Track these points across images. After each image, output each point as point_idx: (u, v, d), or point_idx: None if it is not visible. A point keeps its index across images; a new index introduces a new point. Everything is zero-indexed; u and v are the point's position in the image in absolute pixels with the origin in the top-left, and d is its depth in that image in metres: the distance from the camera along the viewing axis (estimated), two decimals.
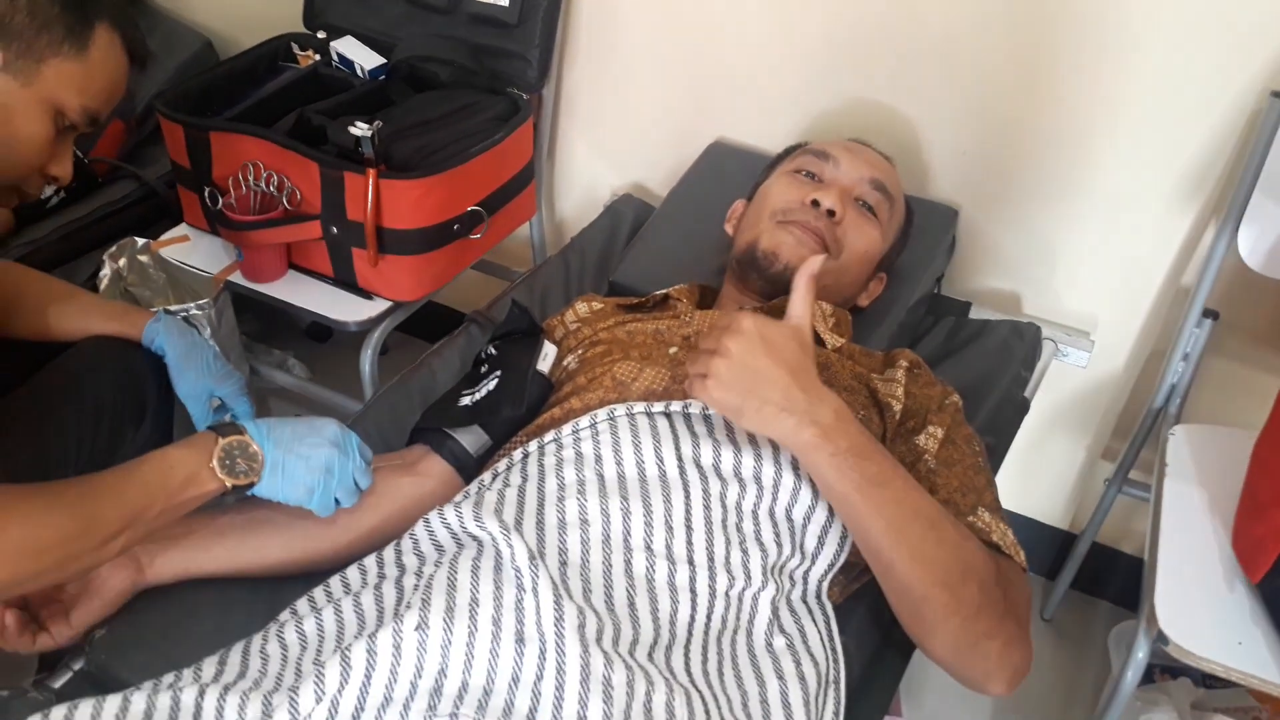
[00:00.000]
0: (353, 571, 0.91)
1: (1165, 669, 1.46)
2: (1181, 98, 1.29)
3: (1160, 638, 1.03)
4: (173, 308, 1.38)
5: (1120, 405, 1.56)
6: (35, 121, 0.98)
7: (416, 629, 0.75)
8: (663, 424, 0.94)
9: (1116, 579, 1.72)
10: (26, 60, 0.95)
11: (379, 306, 1.41)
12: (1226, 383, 1.44)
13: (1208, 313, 1.34)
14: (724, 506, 0.90)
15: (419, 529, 0.90)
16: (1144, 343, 1.48)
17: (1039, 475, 1.68)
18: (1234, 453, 1.21)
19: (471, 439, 1.05)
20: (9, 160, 0.99)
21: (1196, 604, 1.06)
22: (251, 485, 0.89)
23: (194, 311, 1.38)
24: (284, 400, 2.02)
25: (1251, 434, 1.19)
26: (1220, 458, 1.24)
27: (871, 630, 0.98)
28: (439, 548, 0.88)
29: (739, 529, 0.90)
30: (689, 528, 0.88)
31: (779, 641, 0.87)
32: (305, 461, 0.91)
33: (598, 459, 0.92)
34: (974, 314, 1.45)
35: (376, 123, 1.31)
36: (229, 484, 0.87)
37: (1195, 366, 1.38)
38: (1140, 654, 1.08)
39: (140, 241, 1.48)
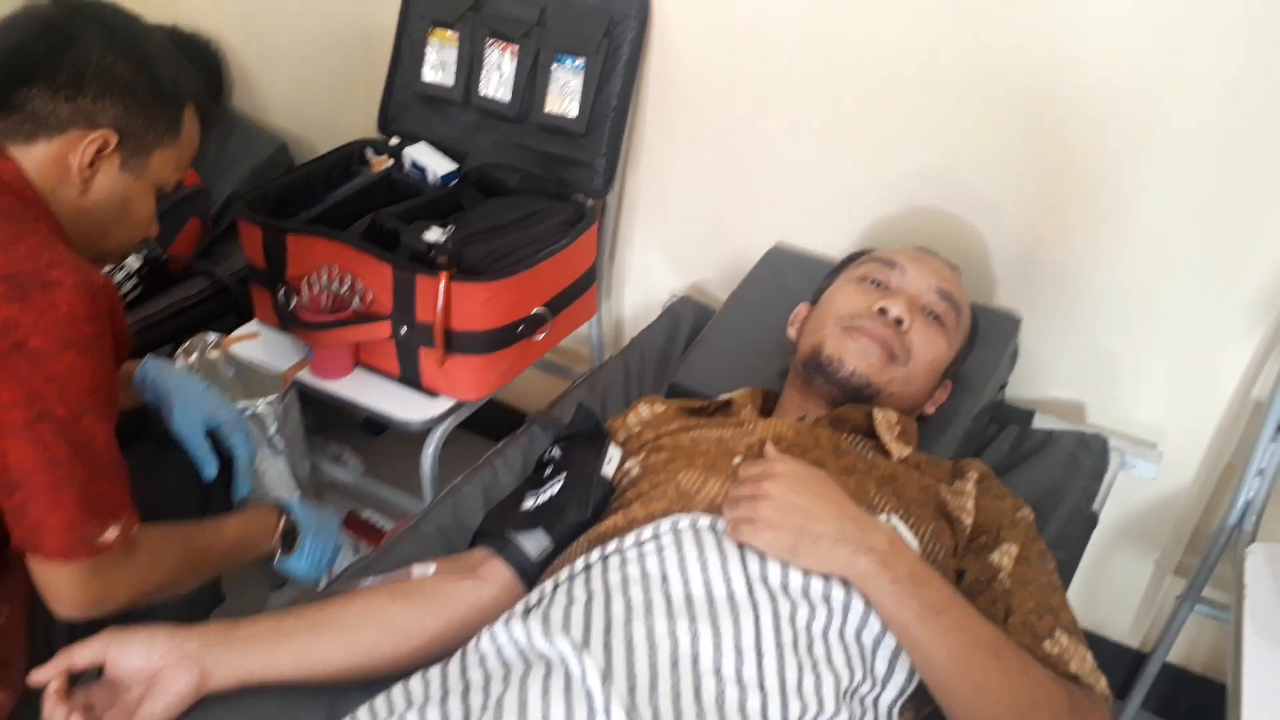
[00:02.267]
0: (415, 683, 0.89)
1: None
2: (1253, 211, 1.29)
3: None
4: (241, 404, 1.41)
5: (1191, 519, 1.51)
6: (144, 204, 1.10)
7: None
8: (728, 539, 0.93)
9: (1187, 699, 1.65)
10: (139, 157, 1.06)
11: (442, 405, 1.43)
12: None
13: None
14: (794, 629, 0.88)
15: (484, 642, 0.89)
16: (1214, 455, 1.45)
17: (1105, 589, 1.63)
18: None
19: (534, 543, 1.05)
20: (127, 239, 1.11)
21: None
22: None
23: (261, 408, 1.41)
24: (339, 494, 2.04)
25: None
26: None
27: None
28: (505, 664, 0.86)
29: (810, 652, 0.87)
30: (759, 651, 0.86)
31: None
32: (323, 549, 1.23)
33: (664, 577, 0.90)
34: (1038, 423, 1.44)
35: (450, 228, 1.34)
36: (277, 554, 1.19)
37: (1271, 482, 1.34)
38: None
39: (212, 337, 1.52)
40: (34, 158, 1.00)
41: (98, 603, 0.97)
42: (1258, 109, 1.24)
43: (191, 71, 1.11)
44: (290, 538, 1.20)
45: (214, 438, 1.23)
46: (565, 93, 1.58)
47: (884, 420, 1.13)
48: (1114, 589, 1.63)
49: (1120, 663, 1.67)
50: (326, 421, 2.04)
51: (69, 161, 1.01)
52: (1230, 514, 1.37)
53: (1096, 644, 1.64)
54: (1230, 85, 1.24)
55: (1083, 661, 0.92)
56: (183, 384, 1.25)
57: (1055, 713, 0.85)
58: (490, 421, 1.67)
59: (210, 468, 1.21)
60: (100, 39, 1.01)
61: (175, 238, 1.77)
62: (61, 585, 0.95)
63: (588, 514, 1.04)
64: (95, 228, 1.06)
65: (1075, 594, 1.17)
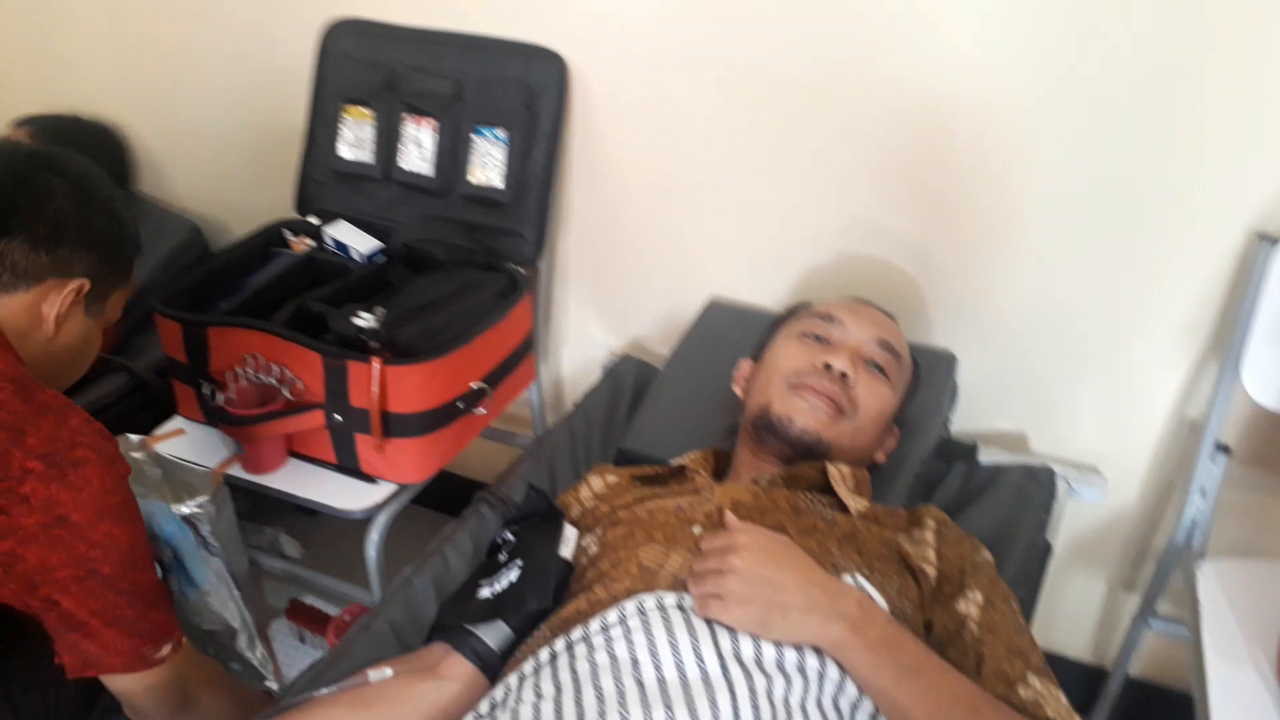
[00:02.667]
0: None
1: None
2: (1170, 240, 1.33)
3: None
4: (173, 508, 1.34)
5: (1138, 537, 1.54)
6: (97, 341, 1.17)
7: None
8: (697, 617, 0.91)
9: (1145, 708, 1.67)
10: (99, 302, 1.13)
11: (383, 491, 1.38)
12: (1247, 514, 1.43)
13: (1220, 447, 1.34)
14: (772, 704, 0.86)
15: None
16: (1155, 474, 1.48)
17: (1061, 610, 1.65)
18: (1267, 586, 1.19)
19: (494, 634, 1.01)
20: (79, 373, 1.17)
21: None
22: None
23: (193, 509, 1.35)
24: (281, 582, 1.96)
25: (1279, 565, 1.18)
26: (1253, 592, 1.23)
27: None
28: None
29: None
30: None
31: None
32: None
33: (634, 662, 0.88)
34: (983, 456, 1.45)
35: (379, 310, 1.31)
36: None
37: (1214, 500, 1.37)
38: None
39: (135, 438, 1.45)
40: (10, 306, 1.05)
41: (182, 701, 1.11)
42: (1162, 142, 1.28)
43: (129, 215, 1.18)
44: None
45: None
46: (488, 164, 1.56)
47: (838, 474, 1.13)
48: (1070, 609, 1.65)
49: (1080, 680, 1.69)
50: (258, 506, 1.96)
51: (42, 310, 1.06)
52: (1177, 533, 1.40)
53: (1057, 664, 1.66)
54: (1127, 136, 1.28)
55: (1057, 704, 0.92)
56: None
57: None
58: (435, 493, 1.62)
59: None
60: (74, 193, 1.08)
61: None
62: (138, 695, 1.08)
63: (549, 601, 1.01)
64: (58, 367, 1.11)
65: (1034, 617, 1.18)
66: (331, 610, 1.75)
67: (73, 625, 1.00)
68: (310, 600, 1.76)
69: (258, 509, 1.96)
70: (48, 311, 1.06)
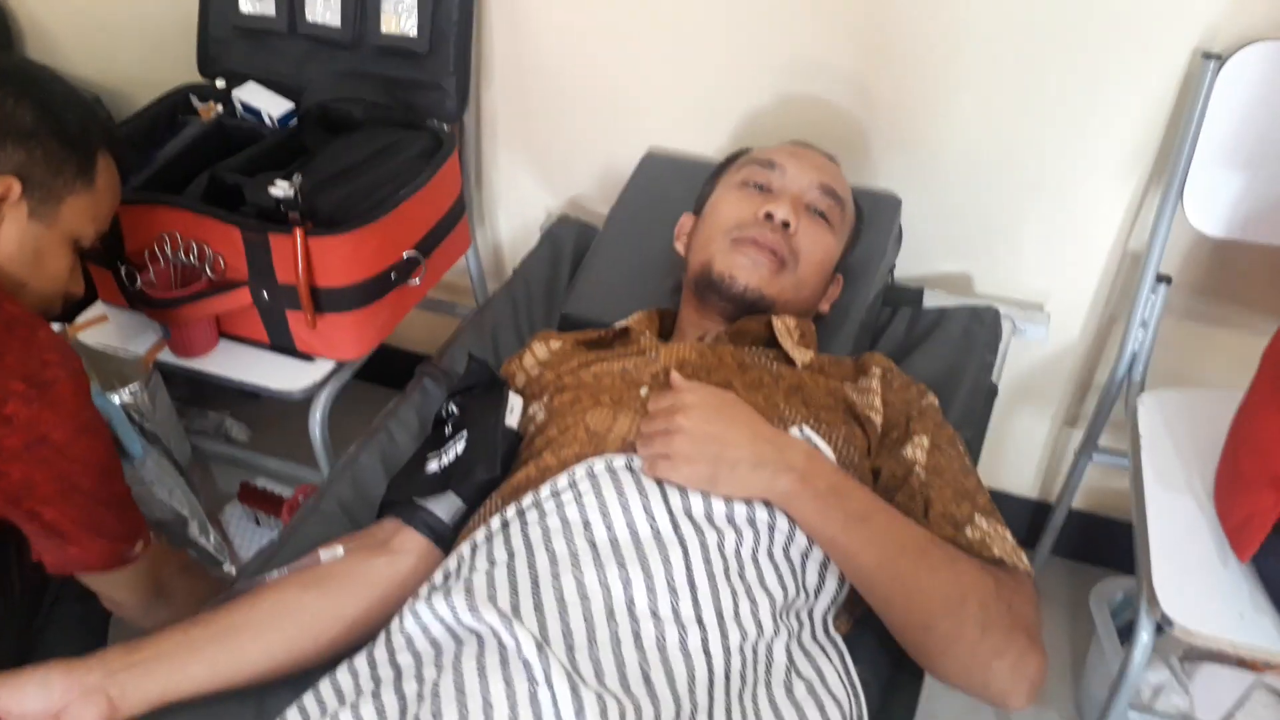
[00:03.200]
0: (344, 675, 0.85)
1: None
2: (1113, 64, 1.29)
3: (1164, 619, 1.03)
4: (106, 396, 1.29)
5: (1081, 373, 1.56)
6: (60, 256, 1.09)
7: None
8: (646, 477, 0.91)
9: (1089, 539, 1.74)
10: (48, 205, 1.05)
11: (322, 369, 1.34)
12: (1186, 344, 1.45)
13: (1161, 278, 1.34)
14: (723, 556, 0.87)
15: (409, 623, 0.84)
16: (1098, 310, 1.49)
17: (1007, 448, 1.69)
18: (1204, 415, 1.22)
19: (445, 506, 1.00)
20: (41, 293, 1.09)
21: (1193, 580, 1.06)
22: None
23: (126, 398, 1.30)
24: (229, 466, 1.94)
25: (1218, 393, 1.20)
26: (1192, 422, 1.25)
27: (883, 656, 0.96)
28: (435, 644, 0.83)
29: (742, 578, 0.86)
30: (692, 586, 0.84)
31: (799, 688, 0.84)
32: None
33: (586, 524, 0.88)
34: (927, 300, 1.44)
35: (297, 178, 1.23)
36: None
37: (1154, 331, 1.38)
38: (1145, 636, 1.08)
39: (56, 326, 1.38)
40: None
41: (156, 592, 1.14)
42: None
43: (101, 118, 1.13)
44: None
45: None
46: (401, 10, 1.46)
47: (783, 327, 1.11)
48: (1016, 447, 1.68)
49: (1025, 514, 1.75)
50: (201, 390, 1.91)
51: None
52: (1119, 366, 1.42)
53: (1002, 500, 1.71)
54: None
55: (1003, 543, 0.93)
56: None
57: (984, 602, 0.87)
58: (376, 367, 1.59)
59: None
60: (1, 87, 1.01)
61: None
62: (116, 589, 1.11)
63: (497, 470, 1.00)
64: (9, 281, 1.04)
65: (980, 457, 1.20)
66: (284, 492, 1.73)
67: (54, 533, 1.01)
68: (261, 483, 1.75)
69: (199, 394, 1.91)
70: None
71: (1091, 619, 1.51)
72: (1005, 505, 1.70)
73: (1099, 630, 1.47)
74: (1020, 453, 1.69)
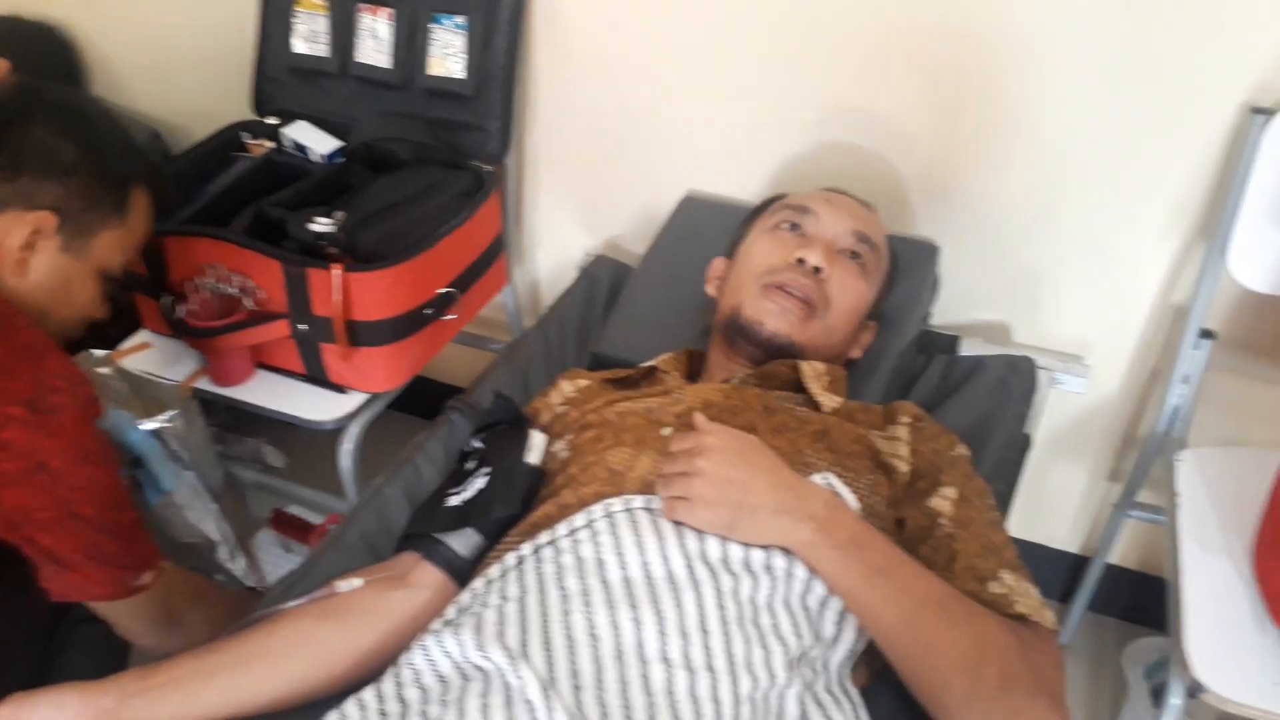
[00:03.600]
0: (351, 708, 0.85)
1: None
2: (1159, 117, 1.27)
3: (1195, 685, 1.00)
4: (141, 422, 1.32)
5: (1121, 427, 1.53)
6: (87, 287, 1.11)
7: None
8: (664, 519, 0.90)
9: (1124, 594, 1.70)
10: (81, 239, 1.07)
11: (354, 401, 1.36)
12: (1229, 401, 1.41)
13: (1205, 333, 1.31)
14: (738, 603, 0.86)
15: (417, 658, 0.85)
16: (1139, 363, 1.46)
17: (1044, 500, 1.65)
18: (1246, 475, 1.18)
19: (464, 541, 1.00)
20: (68, 322, 1.11)
21: (1227, 644, 1.03)
22: None
23: (163, 424, 1.33)
24: (263, 493, 1.96)
25: (1260, 452, 1.16)
26: (1232, 481, 1.22)
27: (901, 714, 0.93)
28: (442, 680, 0.82)
29: (756, 625, 0.85)
30: (704, 631, 0.83)
31: None
32: None
33: (600, 563, 0.87)
34: (964, 348, 1.42)
35: (339, 214, 1.26)
36: None
37: (1197, 387, 1.35)
38: (1176, 700, 1.05)
39: (99, 353, 1.42)
40: None
41: (168, 620, 1.12)
42: (1148, 14, 1.22)
43: (143, 154, 1.15)
44: None
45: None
46: (448, 53, 1.49)
47: (811, 372, 1.11)
48: (1052, 499, 1.65)
49: (1061, 567, 1.70)
50: (240, 417, 1.95)
51: (3, 242, 1.02)
52: (1160, 421, 1.38)
53: (1038, 553, 1.68)
54: (1117, 10, 1.22)
55: (1028, 598, 0.91)
56: None
57: (1005, 660, 0.84)
58: (411, 398, 1.61)
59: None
60: (47, 120, 1.03)
61: None
62: (124, 618, 1.09)
63: (516, 508, 1.00)
64: (34, 309, 1.05)
65: (1015, 507, 1.18)
66: (315, 519, 1.75)
67: (54, 559, 1.00)
68: (293, 510, 1.77)
69: (239, 420, 1.95)
70: (11, 244, 1.02)
71: (1123, 676, 1.47)
72: (1041, 558, 1.67)
73: (1131, 692, 1.42)
74: (1059, 506, 1.65)
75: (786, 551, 0.88)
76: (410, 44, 1.50)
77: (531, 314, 1.85)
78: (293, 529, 1.72)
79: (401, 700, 0.83)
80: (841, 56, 1.39)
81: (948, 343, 1.43)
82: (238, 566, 1.50)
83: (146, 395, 1.42)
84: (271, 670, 0.92)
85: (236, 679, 0.91)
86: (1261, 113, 1.19)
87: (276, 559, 1.71)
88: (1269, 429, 1.39)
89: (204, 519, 1.42)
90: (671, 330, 1.33)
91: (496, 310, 1.78)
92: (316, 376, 1.37)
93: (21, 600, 1.08)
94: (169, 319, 1.37)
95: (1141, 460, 1.44)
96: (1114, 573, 1.67)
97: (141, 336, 1.48)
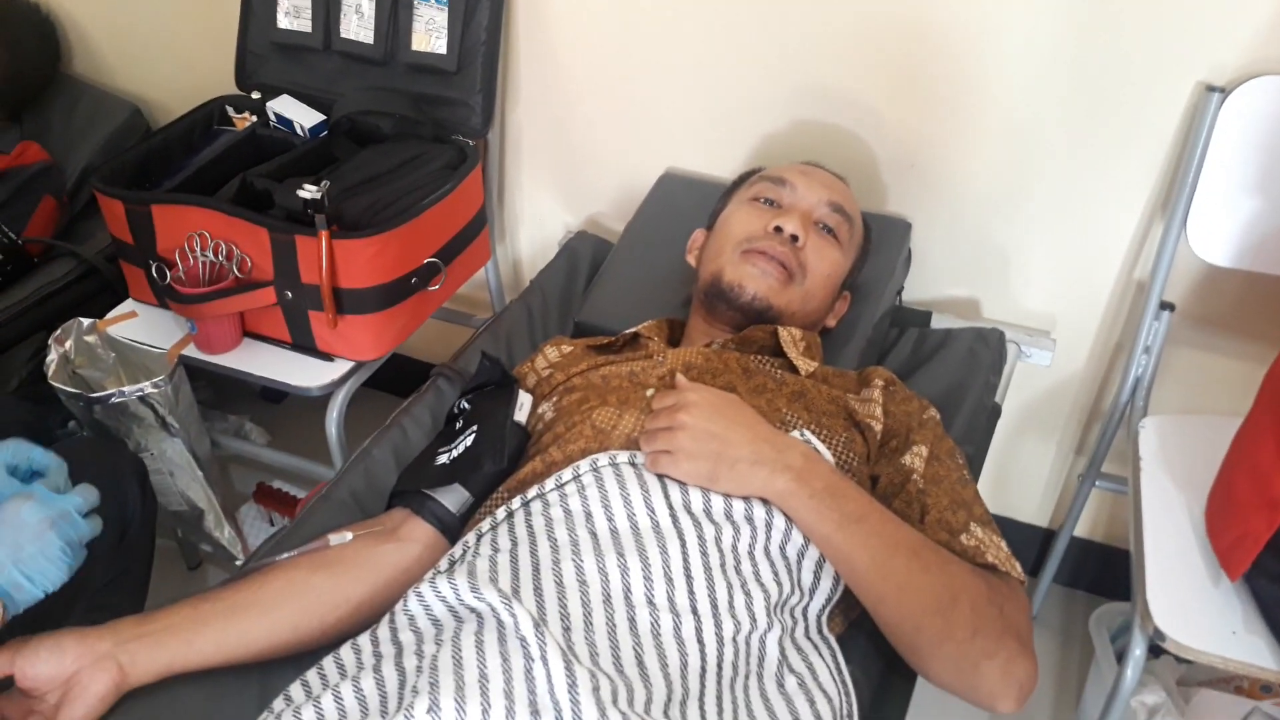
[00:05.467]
0: (346, 652, 0.87)
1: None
2: (1119, 96, 1.32)
3: (1157, 634, 1.04)
4: (126, 389, 1.34)
5: (1086, 400, 1.58)
6: None
7: (429, 712, 0.73)
8: (648, 473, 0.93)
9: (1091, 567, 1.75)
10: None
11: (340, 368, 1.38)
12: (1189, 372, 1.47)
13: (1164, 305, 1.36)
14: (720, 550, 0.89)
15: (412, 603, 0.87)
16: (1104, 337, 1.51)
17: (1012, 474, 1.70)
18: (1204, 441, 1.23)
19: (453, 498, 1.03)
20: None
21: (1187, 598, 1.07)
22: None
23: (150, 390, 1.35)
24: (246, 467, 1.98)
25: (1218, 420, 1.21)
26: (1192, 447, 1.26)
27: (875, 657, 0.97)
28: (436, 623, 0.85)
29: (738, 571, 0.89)
30: (688, 576, 0.86)
31: (790, 682, 0.86)
32: (47, 560, 0.86)
33: (588, 515, 0.90)
34: (935, 323, 1.47)
35: (325, 183, 1.28)
36: None
37: (1157, 358, 1.40)
38: (1139, 650, 1.09)
39: (86, 322, 1.43)
40: None
41: None
42: (1108, 8, 1.26)
43: None
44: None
45: None
46: (431, 29, 1.51)
47: (789, 337, 1.14)
48: (1020, 473, 1.70)
49: (1031, 541, 1.75)
50: (223, 395, 1.97)
51: None
52: (1122, 392, 1.43)
53: (1008, 526, 1.73)
54: None
55: (997, 550, 0.95)
56: None
57: (975, 603, 0.88)
58: (393, 377, 1.63)
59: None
60: None
61: (30, 220, 1.65)
62: None
63: (504, 463, 1.03)
64: None
65: (984, 482, 1.22)
66: (299, 492, 1.77)
67: None
68: (277, 484, 1.78)
69: (222, 397, 1.96)
70: None
71: (1092, 646, 1.52)
72: (1011, 532, 1.70)
73: (1098, 653, 1.47)
74: (1026, 480, 1.70)
75: (766, 503, 0.92)
76: (394, 20, 1.52)
77: (513, 291, 1.88)
78: (277, 502, 1.74)
79: (396, 642, 0.85)
80: (815, 37, 1.43)
81: (920, 318, 1.48)
82: (224, 535, 1.52)
83: (133, 363, 1.44)
84: (263, 619, 0.94)
85: (230, 626, 0.93)
86: (1216, 91, 1.23)
87: (261, 532, 1.73)
88: (1227, 398, 1.45)
89: (191, 486, 1.44)
90: (653, 300, 1.37)
91: (478, 289, 1.80)
92: (303, 344, 1.38)
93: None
94: (156, 286, 1.38)
95: (1105, 431, 1.49)
96: (1081, 545, 1.72)
97: (128, 306, 1.49)
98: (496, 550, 0.89)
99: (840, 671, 0.90)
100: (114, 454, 1.24)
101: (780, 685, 0.85)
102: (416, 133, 1.53)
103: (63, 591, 0.88)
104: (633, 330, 1.21)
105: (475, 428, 1.08)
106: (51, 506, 0.89)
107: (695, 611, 0.85)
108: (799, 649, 0.89)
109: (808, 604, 0.93)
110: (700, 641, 0.84)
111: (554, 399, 1.12)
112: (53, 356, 1.39)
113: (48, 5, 1.86)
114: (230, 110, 1.62)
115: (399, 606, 0.88)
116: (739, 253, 1.17)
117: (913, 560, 0.89)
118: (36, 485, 0.90)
